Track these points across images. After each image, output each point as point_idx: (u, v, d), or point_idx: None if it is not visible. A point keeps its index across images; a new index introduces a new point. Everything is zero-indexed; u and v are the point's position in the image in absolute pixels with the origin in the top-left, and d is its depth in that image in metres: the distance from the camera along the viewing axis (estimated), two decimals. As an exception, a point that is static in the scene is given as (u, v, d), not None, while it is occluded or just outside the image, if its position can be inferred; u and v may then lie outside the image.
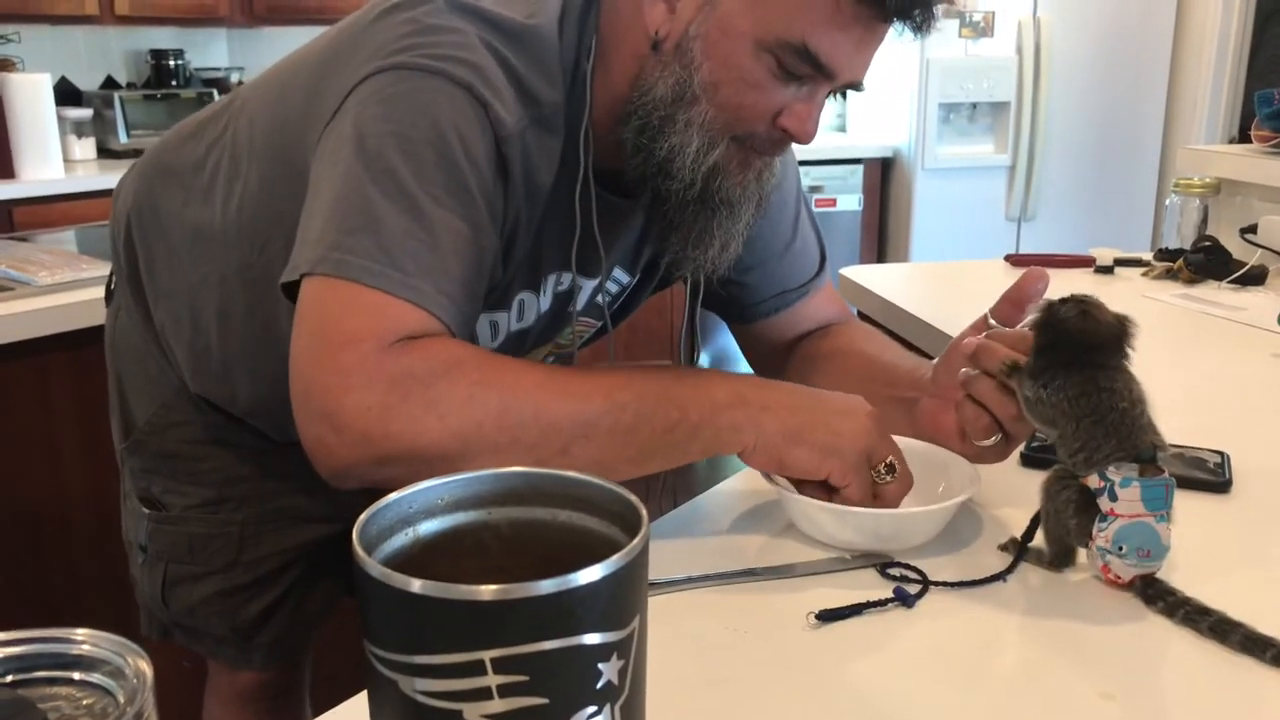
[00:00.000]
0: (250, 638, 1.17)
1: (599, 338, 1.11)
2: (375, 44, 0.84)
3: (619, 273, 1.05)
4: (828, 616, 0.72)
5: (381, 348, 0.75)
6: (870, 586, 0.76)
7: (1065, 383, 0.76)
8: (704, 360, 4.22)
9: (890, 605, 0.74)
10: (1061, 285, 1.21)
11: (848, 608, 0.72)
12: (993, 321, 0.89)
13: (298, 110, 0.90)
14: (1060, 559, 0.78)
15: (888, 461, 0.82)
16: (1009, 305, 0.89)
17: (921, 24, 0.84)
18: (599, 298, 1.01)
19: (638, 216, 1.00)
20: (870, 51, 0.86)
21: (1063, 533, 0.77)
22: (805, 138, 0.88)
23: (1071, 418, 0.75)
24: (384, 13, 0.87)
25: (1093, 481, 0.75)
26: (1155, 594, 0.73)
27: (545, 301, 0.97)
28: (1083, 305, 0.77)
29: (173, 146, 1.08)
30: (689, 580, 0.77)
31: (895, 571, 0.78)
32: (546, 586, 0.38)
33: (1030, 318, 0.81)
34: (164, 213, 1.05)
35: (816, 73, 0.84)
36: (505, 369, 0.79)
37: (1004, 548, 0.81)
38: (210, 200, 1.00)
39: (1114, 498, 0.73)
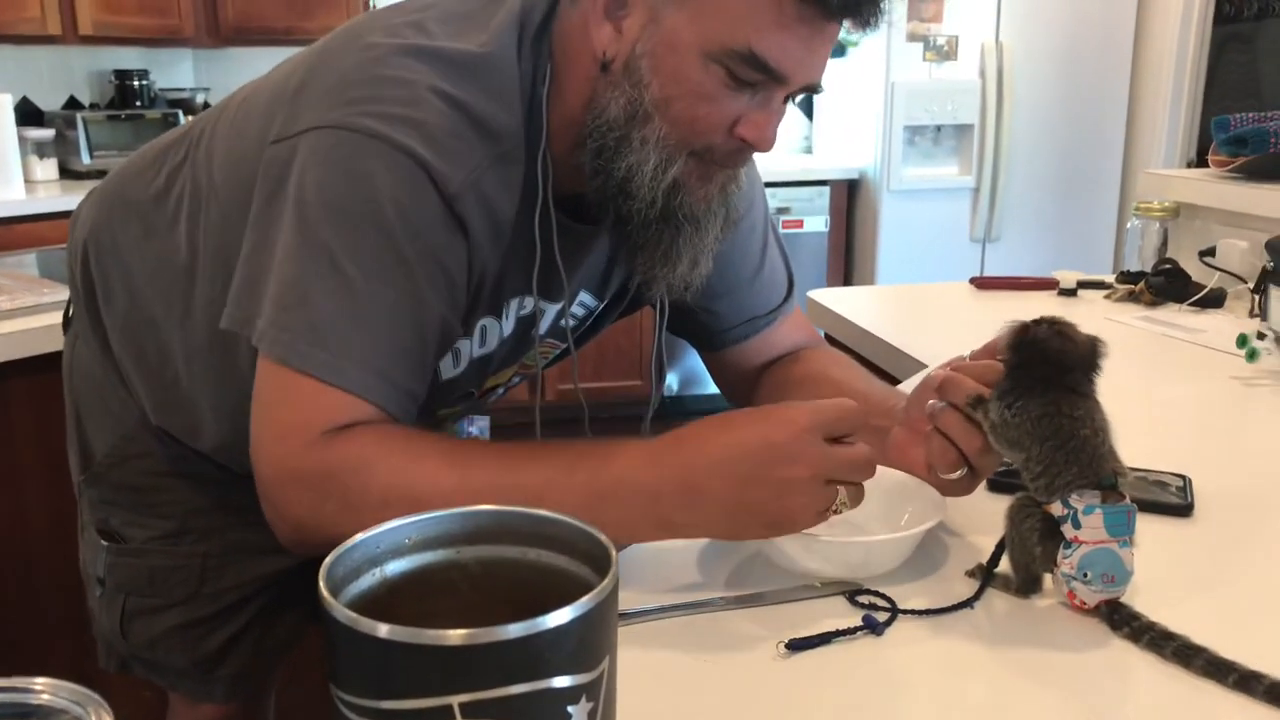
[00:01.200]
0: (212, 670, 1.15)
1: (563, 358, 1.10)
2: (323, 88, 0.84)
3: (586, 297, 1.05)
4: (797, 645, 0.72)
5: (308, 443, 0.78)
6: (839, 614, 0.77)
7: (1029, 404, 0.77)
8: (672, 380, 4.23)
9: (859, 633, 0.74)
10: (1026, 307, 1.23)
11: (817, 636, 0.73)
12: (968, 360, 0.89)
13: (253, 147, 0.89)
14: (1026, 586, 0.79)
15: (836, 507, 0.78)
16: (984, 352, 0.88)
17: (869, 19, 0.83)
18: (563, 321, 1.01)
19: (602, 241, 0.99)
20: (821, 51, 0.85)
21: (1028, 560, 0.78)
22: (764, 145, 0.87)
23: (1035, 439, 0.76)
24: (336, 51, 0.87)
25: (1056, 509, 0.76)
26: (1121, 619, 0.74)
27: (508, 326, 0.97)
28: (1057, 326, 0.78)
29: (131, 175, 1.06)
30: (658, 610, 0.77)
31: (864, 599, 0.78)
32: (515, 630, 0.38)
33: (1002, 336, 0.81)
34: (123, 244, 1.04)
35: (767, 78, 0.83)
36: (419, 470, 0.79)
37: (971, 574, 0.82)
38: (174, 234, 0.99)
39: (1077, 525, 0.74)
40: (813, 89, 0.87)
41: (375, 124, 0.80)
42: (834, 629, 0.73)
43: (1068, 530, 0.75)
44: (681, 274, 0.93)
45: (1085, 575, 0.74)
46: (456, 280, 0.85)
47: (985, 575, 0.80)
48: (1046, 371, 0.77)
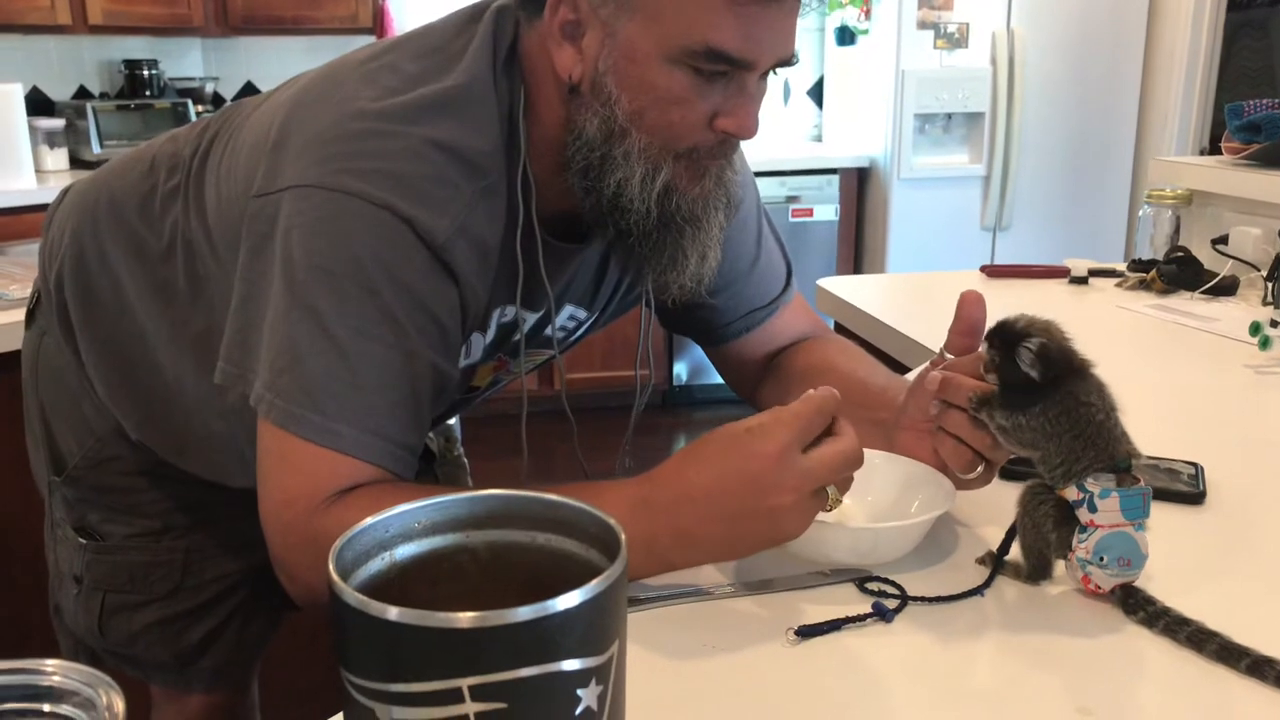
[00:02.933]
0: (193, 663, 1.15)
1: (548, 362, 1.10)
2: (302, 142, 0.83)
3: (576, 310, 1.04)
4: (807, 632, 0.72)
5: (310, 509, 0.79)
6: (849, 602, 0.76)
7: (1045, 406, 0.76)
8: (680, 369, 4.22)
9: (869, 620, 0.74)
10: (1036, 295, 1.21)
11: (827, 623, 0.73)
12: (949, 356, 0.88)
13: (239, 197, 0.89)
14: (1037, 572, 0.79)
15: (829, 505, 0.76)
16: (960, 336, 0.88)
17: None
18: (548, 331, 0.99)
19: (588, 258, 0.98)
20: (783, 25, 0.82)
21: (1042, 545, 0.77)
22: (747, 133, 0.85)
23: (1052, 437, 0.76)
24: (312, 103, 0.86)
25: (1071, 494, 0.76)
26: (1135, 604, 0.74)
27: (490, 334, 0.96)
28: (1040, 334, 0.76)
29: (123, 188, 1.04)
30: (667, 596, 0.77)
31: (874, 586, 0.78)
32: (525, 613, 0.38)
33: (984, 353, 0.79)
34: (114, 258, 1.02)
35: (733, 67, 0.81)
36: None
37: (981, 561, 0.82)
38: (169, 263, 0.98)
39: (1094, 509, 0.74)
40: (786, 63, 0.85)
41: (355, 181, 0.80)
42: (844, 616, 0.73)
43: (1083, 514, 0.75)
44: (692, 273, 0.92)
45: (1101, 559, 0.74)
46: (448, 326, 0.85)
47: (996, 562, 0.80)
48: (1049, 377, 0.76)
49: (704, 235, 0.90)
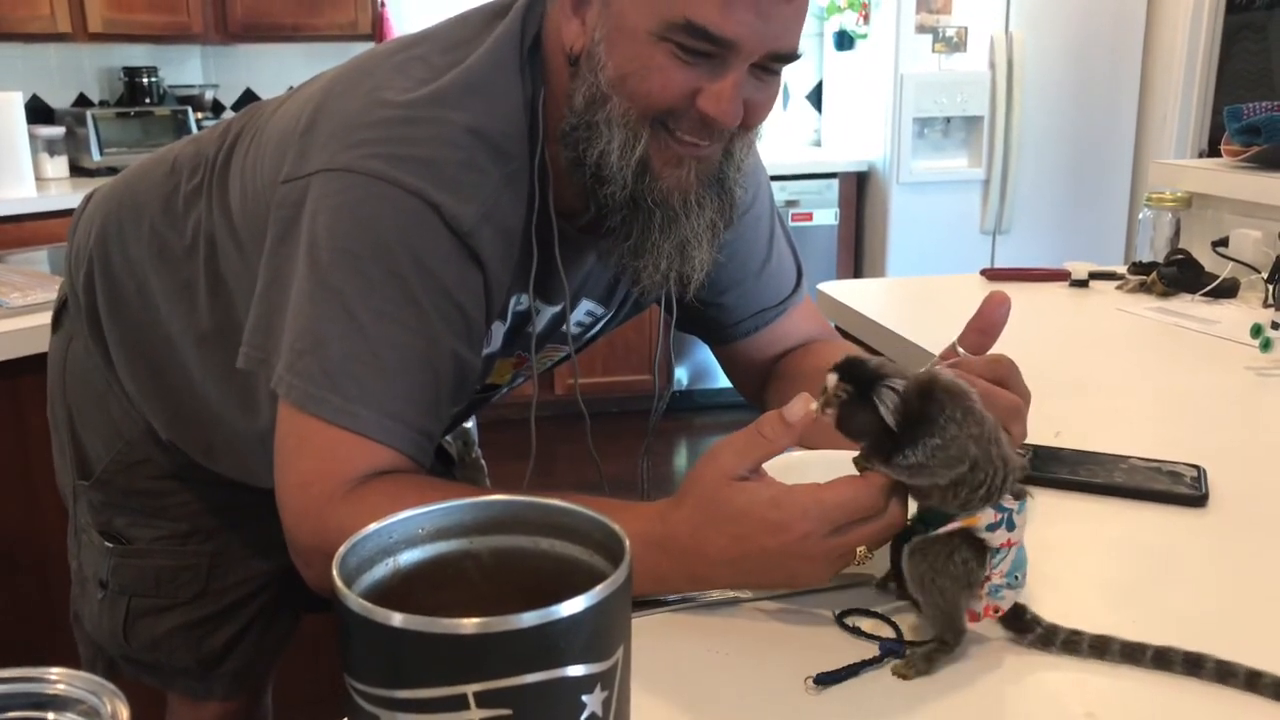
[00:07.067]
0: (214, 668, 1.15)
1: (565, 361, 1.10)
2: (332, 128, 0.84)
3: (593, 305, 1.04)
4: (825, 680, 0.67)
5: (325, 495, 0.79)
6: (854, 603, 0.76)
7: (954, 413, 0.66)
8: (681, 374, 4.22)
9: (885, 660, 0.69)
10: (1038, 299, 1.21)
11: (845, 669, 0.68)
12: (961, 350, 0.86)
13: (266, 187, 0.89)
14: (958, 631, 0.69)
15: (858, 561, 0.73)
16: (975, 334, 0.86)
17: None
18: (564, 327, 0.99)
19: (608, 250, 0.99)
20: (773, 12, 0.80)
21: (969, 595, 0.69)
22: (724, 117, 0.83)
23: (964, 456, 0.66)
24: (343, 91, 0.86)
25: (985, 518, 0.67)
26: (1029, 622, 0.70)
27: (508, 323, 0.96)
28: (898, 389, 0.67)
29: (146, 188, 1.04)
30: (671, 602, 0.76)
31: (864, 624, 0.74)
32: (529, 619, 0.38)
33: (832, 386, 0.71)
34: (138, 259, 1.03)
35: (715, 47, 0.80)
36: None
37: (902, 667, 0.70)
38: (192, 260, 0.99)
39: (1012, 526, 0.68)
40: (784, 57, 0.83)
41: (384, 166, 0.80)
42: (859, 660, 0.69)
43: (998, 537, 0.68)
44: (667, 267, 0.89)
45: (1016, 578, 0.69)
46: (472, 314, 0.85)
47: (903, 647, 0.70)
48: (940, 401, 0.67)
49: (679, 227, 0.88)
